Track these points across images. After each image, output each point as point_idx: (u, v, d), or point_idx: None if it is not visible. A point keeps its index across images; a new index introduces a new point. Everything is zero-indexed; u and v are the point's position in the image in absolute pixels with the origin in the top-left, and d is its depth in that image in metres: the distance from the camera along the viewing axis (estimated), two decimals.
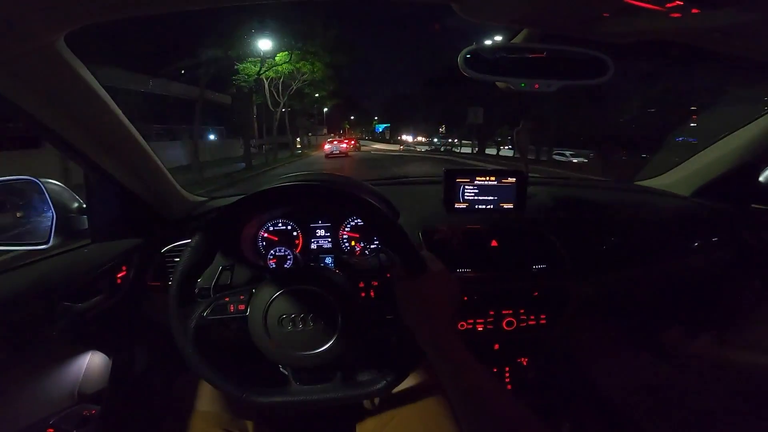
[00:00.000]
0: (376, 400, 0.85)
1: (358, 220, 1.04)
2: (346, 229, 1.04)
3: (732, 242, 1.19)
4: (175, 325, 0.65)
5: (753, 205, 1.25)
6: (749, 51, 0.67)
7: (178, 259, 0.67)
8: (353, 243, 1.05)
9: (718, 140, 1.24)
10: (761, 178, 1.23)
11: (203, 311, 0.66)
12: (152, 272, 0.96)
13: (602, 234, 1.11)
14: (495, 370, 1.13)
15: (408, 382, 0.81)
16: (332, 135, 44.42)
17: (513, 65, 0.71)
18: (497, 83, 0.74)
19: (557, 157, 16.78)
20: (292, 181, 0.99)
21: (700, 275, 1.19)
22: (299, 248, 1.03)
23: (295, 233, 1.03)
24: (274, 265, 0.96)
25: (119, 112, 0.76)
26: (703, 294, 1.24)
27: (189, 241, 0.67)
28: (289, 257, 0.97)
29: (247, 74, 13.90)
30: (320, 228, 1.04)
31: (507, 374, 1.14)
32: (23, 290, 0.71)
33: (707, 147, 1.28)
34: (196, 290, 0.69)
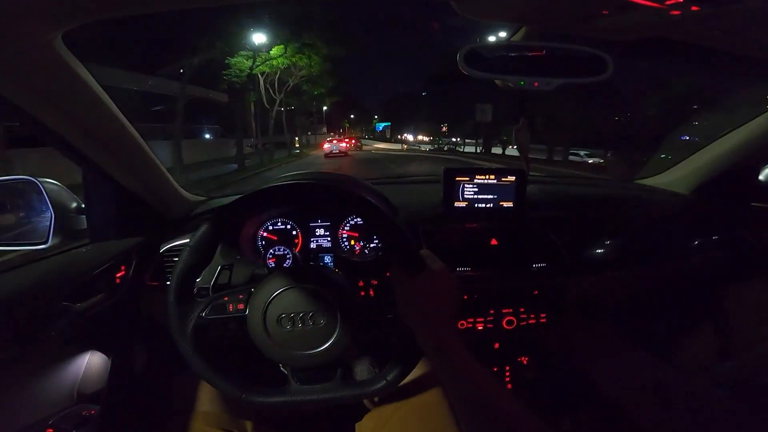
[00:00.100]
0: (376, 399, 0.85)
1: (358, 219, 1.04)
2: (346, 228, 1.04)
3: (732, 241, 1.18)
4: (174, 324, 0.64)
5: (753, 204, 1.25)
6: (749, 49, 0.66)
7: (176, 259, 0.67)
8: (353, 242, 1.04)
9: (718, 138, 1.23)
10: (761, 177, 1.23)
11: (202, 311, 0.66)
12: (151, 272, 0.96)
13: (602, 233, 1.11)
14: (495, 369, 1.13)
15: (407, 381, 0.81)
16: (332, 134, 44.37)
17: (512, 63, 0.71)
18: (497, 81, 0.74)
19: (573, 158, 16.36)
20: (291, 180, 0.99)
21: (700, 273, 1.19)
22: (298, 247, 1.03)
23: (294, 232, 1.03)
24: (273, 265, 0.96)
25: (117, 111, 0.76)
26: (704, 292, 1.24)
27: (188, 240, 0.67)
28: (288, 256, 0.97)
29: (239, 69, 13.17)
30: (319, 227, 1.04)
31: (507, 373, 1.14)
32: (22, 290, 0.71)
33: (707, 145, 1.27)
34: (195, 290, 0.69)
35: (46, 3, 0.48)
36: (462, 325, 1.02)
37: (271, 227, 1.02)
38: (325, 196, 0.69)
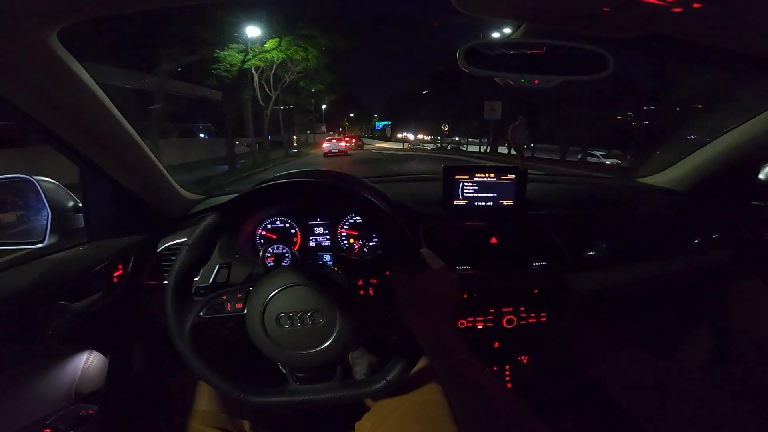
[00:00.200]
0: (375, 398, 0.85)
1: (357, 218, 1.03)
2: (345, 226, 1.04)
3: (732, 239, 1.18)
4: (172, 324, 0.64)
5: (753, 202, 1.25)
6: (752, 48, 0.66)
7: (174, 258, 0.66)
8: (352, 240, 1.04)
9: (718, 137, 1.23)
10: (761, 175, 1.23)
11: (200, 310, 0.65)
12: (149, 271, 0.96)
13: (602, 231, 1.11)
14: (495, 368, 1.13)
15: (407, 380, 0.81)
16: (331, 133, 44.29)
17: (512, 61, 0.70)
18: (497, 79, 0.73)
19: (591, 159, 15.58)
20: (290, 178, 0.99)
21: (700, 272, 1.19)
22: (297, 246, 1.02)
23: (293, 231, 1.03)
24: (271, 263, 0.96)
25: (114, 108, 0.75)
26: (704, 291, 1.24)
27: (186, 239, 0.66)
28: (287, 255, 0.96)
29: (229, 63, 12.02)
30: (318, 226, 1.04)
31: (507, 372, 1.14)
32: (19, 289, 0.70)
33: (706, 143, 1.27)
34: (193, 289, 0.69)
35: (41, 0, 0.47)
36: (462, 324, 1.02)
37: (269, 226, 1.01)
38: (325, 194, 0.69)
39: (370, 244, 1.04)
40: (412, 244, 0.64)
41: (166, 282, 0.66)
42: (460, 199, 1.07)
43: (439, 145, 33.30)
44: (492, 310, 1.03)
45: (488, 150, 22.98)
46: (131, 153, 0.85)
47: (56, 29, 0.56)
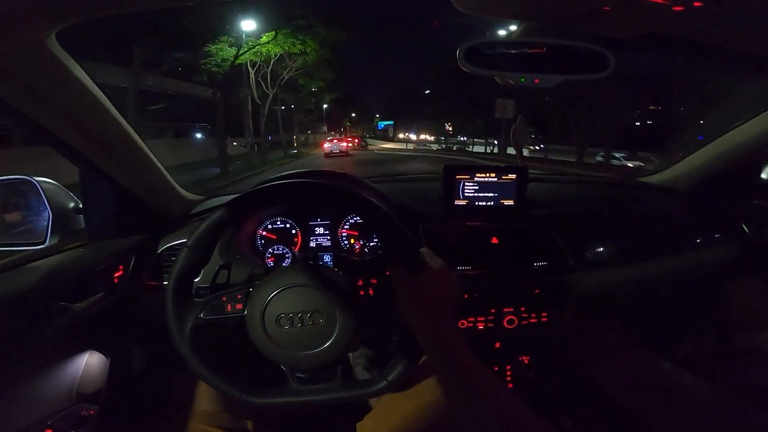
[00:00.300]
0: (376, 399, 0.85)
1: (357, 218, 1.03)
2: (345, 226, 1.04)
3: (735, 239, 1.18)
4: (172, 325, 0.64)
5: (754, 201, 1.25)
6: (753, 47, 0.66)
7: (174, 259, 0.66)
8: (352, 241, 1.04)
9: (720, 136, 1.23)
10: (763, 174, 1.22)
11: (200, 311, 0.65)
12: (149, 271, 0.96)
13: (604, 231, 1.11)
14: (496, 368, 1.13)
15: (408, 381, 0.81)
16: (333, 133, 44.23)
17: (513, 60, 0.70)
18: (497, 78, 0.73)
19: (614, 162, 14.63)
20: (290, 178, 0.99)
21: (702, 272, 1.19)
22: (298, 246, 1.02)
23: (293, 231, 1.03)
24: (272, 264, 0.96)
25: (113, 109, 0.75)
26: (705, 291, 1.24)
27: (186, 240, 0.66)
28: (287, 255, 0.96)
29: (220, 58, 11.27)
30: (319, 226, 1.04)
31: (508, 373, 1.13)
32: (20, 290, 0.70)
33: (709, 143, 1.27)
34: (193, 290, 0.69)
35: (39, 1, 0.47)
36: (463, 324, 1.02)
37: (270, 226, 1.01)
38: (325, 194, 0.69)
39: (371, 244, 1.03)
40: (412, 244, 0.64)
41: (165, 283, 0.65)
42: (460, 199, 1.07)
43: (444, 145, 32.61)
44: (493, 310, 1.02)
45: (497, 150, 21.88)
46: (131, 153, 0.85)
47: (54, 30, 0.56)
